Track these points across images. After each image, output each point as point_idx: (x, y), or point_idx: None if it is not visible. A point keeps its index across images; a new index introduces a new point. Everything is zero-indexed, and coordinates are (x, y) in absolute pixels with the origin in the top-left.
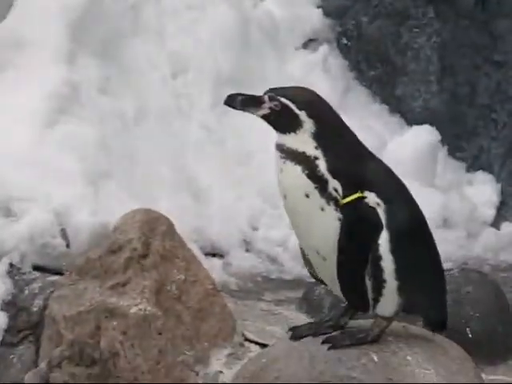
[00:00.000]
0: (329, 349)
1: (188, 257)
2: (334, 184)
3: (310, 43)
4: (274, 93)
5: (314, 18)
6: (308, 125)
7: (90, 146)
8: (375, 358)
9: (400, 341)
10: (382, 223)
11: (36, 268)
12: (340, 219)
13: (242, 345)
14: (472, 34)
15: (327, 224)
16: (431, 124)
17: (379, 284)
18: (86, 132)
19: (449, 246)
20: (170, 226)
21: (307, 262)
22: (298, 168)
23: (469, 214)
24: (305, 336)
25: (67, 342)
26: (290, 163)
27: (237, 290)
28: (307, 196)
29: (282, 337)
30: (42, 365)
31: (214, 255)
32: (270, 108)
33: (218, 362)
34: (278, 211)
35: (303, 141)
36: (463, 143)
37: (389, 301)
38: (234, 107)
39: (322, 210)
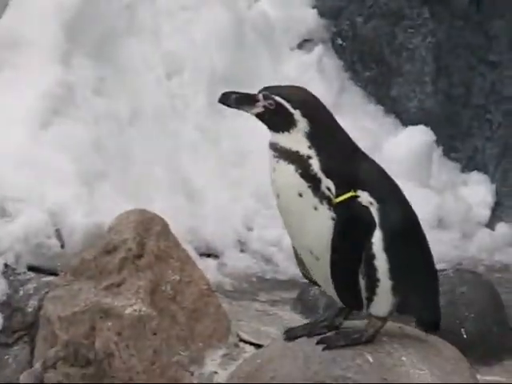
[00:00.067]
0: (323, 349)
1: (183, 257)
2: (327, 183)
3: (304, 43)
4: (269, 91)
5: (308, 19)
6: (302, 124)
7: (85, 146)
8: (370, 359)
9: (394, 341)
10: (375, 222)
11: (31, 268)
12: (333, 218)
13: (236, 345)
14: (467, 34)
15: (320, 223)
16: (426, 124)
17: (373, 283)
18: (81, 132)
19: (443, 247)
20: (165, 226)
21: (300, 263)
22: (291, 167)
23: (463, 215)
24: (299, 336)
25: (62, 342)
26: (283, 162)
27: (231, 291)
28: (300, 195)
29: (276, 337)
30: (37, 365)
31: (208, 255)
32: (264, 106)
33: (213, 363)
34: (273, 211)
35: (297, 140)
36: (458, 144)
37: (383, 301)
38: (228, 105)
39: (315, 209)
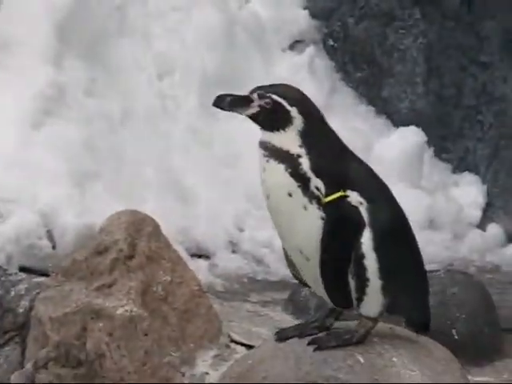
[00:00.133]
0: (315, 350)
1: (174, 258)
2: (316, 183)
3: (296, 44)
4: (264, 90)
5: (300, 20)
6: (297, 122)
7: (77, 147)
8: (361, 359)
9: (385, 342)
10: (364, 222)
11: (22, 269)
12: (323, 218)
13: (227, 346)
14: (458, 35)
15: (310, 223)
16: (417, 125)
17: (363, 283)
18: (73, 133)
19: (435, 247)
20: (156, 227)
21: (290, 264)
22: (281, 166)
23: (455, 216)
24: (291, 337)
25: (53, 343)
26: (274, 162)
27: (223, 292)
28: (290, 195)
29: (267, 338)
30: (28, 366)
31: (199, 256)
32: (260, 106)
33: (204, 364)
34: (264, 212)
35: (289, 139)
36: (449, 144)
37: (373, 301)
38: (222, 108)
39: (305, 208)
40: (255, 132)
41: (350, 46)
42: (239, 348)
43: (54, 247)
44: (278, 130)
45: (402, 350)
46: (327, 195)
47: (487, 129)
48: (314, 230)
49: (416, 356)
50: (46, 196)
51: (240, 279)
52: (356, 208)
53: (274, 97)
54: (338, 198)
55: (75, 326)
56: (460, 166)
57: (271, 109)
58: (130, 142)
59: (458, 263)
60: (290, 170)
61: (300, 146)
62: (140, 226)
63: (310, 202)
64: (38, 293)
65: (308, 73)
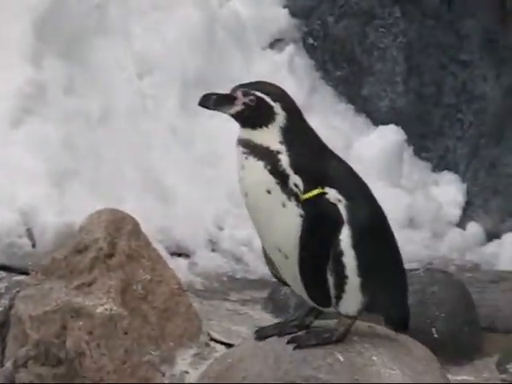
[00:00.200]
0: (294, 348)
1: (154, 257)
2: (294, 179)
3: (276, 43)
4: (247, 88)
5: (280, 18)
6: (280, 118)
7: (56, 145)
8: (341, 358)
9: (365, 341)
10: (342, 219)
11: (2, 268)
12: (301, 215)
13: (207, 345)
14: (438, 33)
15: (289, 220)
16: (397, 124)
17: (341, 280)
18: (52, 132)
19: (414, 246)
20: (136, 225)
21: (269, 262)
22: (261, 163)
23: (434, 214)
24: (270, 336)
25: (33, 341)
26: (253, 159)
27: (202, 290)
28: (269, 192)
29: (247, 337)
30: (8, 364)
31: (179, 255)
32: (244, 103)
33: (184, 362)
34: (244, 211)
35: (271, 135)
36: (429, 143)
37: (352, 298)
38: (207, 107)
39: (284, 206)
40: (236, 131)
41: (330, 45)
42: (219, 347)
43: (33, 246)
44: (260, 126)
45: (381, 349)
46: (306, 192)
47: (467, 127)
48: (293, 227)
49: (396, 355)
50: (25, 194)
51: (219, 278)
52: (334, 205)
53: (258, 93)
54: (317, 195)
55: (55, 324)
56: (440, 164)
57: (255, 106)
58: (109, 140)
59: (437, 262)
60: (269, 167)
61: (280, 143)
62: (120, 225)
63: (289, 199)
64: (18, 291)
65: (288, 71)
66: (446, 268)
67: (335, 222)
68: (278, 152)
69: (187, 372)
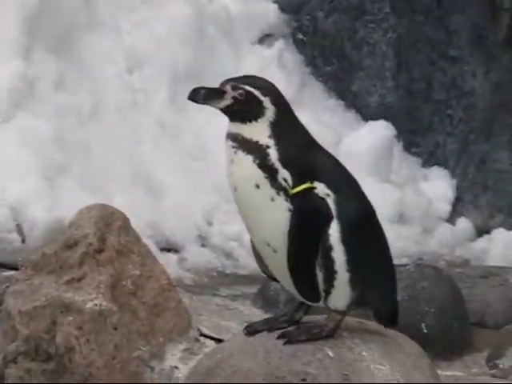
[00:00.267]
0: (284, 344)
1: (143, 252)
2: (283, 174)
3: (265, 38)
4: (236, 82)
5: (269, 13)
6: (269, 112)
7: (46, 141)
8: (330, 354)
9: (355, 336)
10: (331, 214)
11: None
12: (290, 210)
13: (197, 340)
14: (428, 29)
15: (277, 215)
16: (387, 119)
17: (330, 275)
18: (42, 127)
19: (404, 242)
20: (126, 221)
21: (258, 257)
22: (250, 158)
23: (424, 210)
24: (260, 331)
25: (22, 337)
26: (242, 153)
27: (192, 285)
28: (258, 186)
29: (237, 332)
30: None
31: (169, 250)
32: (234, 97)
33: (174, 358)
34: (233, 206)
35: (260, 129)
36: (419, 139)
37: (341, 293)
38: (196, 101)
39: (272, 200)
40: (225, 125)
41: (320, 40)
42: (208, 342)
43: (23, 241)
44: (249, 121)
45: (371, 345)
46: (294, 187)
47: (457, 123)
48: (282, 221)
49: (386, 350)
50: (15, 190)
51: (209, 273)
52: (323, 200)
53: (247, 87)
54: (306, 189)
55: (45, 319)
56: (429, 160)
57: (244, 100)
58: (99, 135)
59: (427, 257)
60: (257, 161)
61: (269, 137)
62: (110, 220)
63: (278, 193)
64: (8, 286)
65: (277, 67)
66: (436, 263)
67: (324, 216)
68: (267, 146)
69: (177, 367)
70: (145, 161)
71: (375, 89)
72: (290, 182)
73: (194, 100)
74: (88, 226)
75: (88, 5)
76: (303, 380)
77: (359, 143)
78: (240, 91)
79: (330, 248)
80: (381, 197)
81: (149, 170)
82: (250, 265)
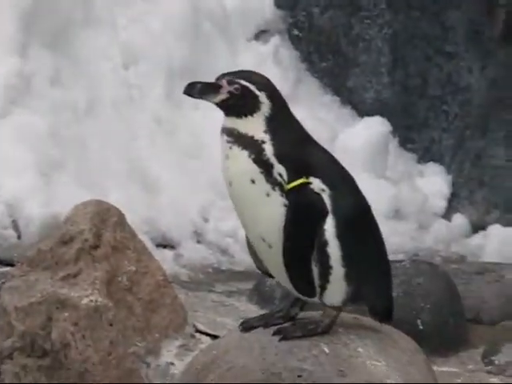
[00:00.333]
0: (280, 340)
1: (139, 248)
2: (279, 169)
3: (261, 34)
4: (232, 76)
5: (265, 9)
6: (265, 107)
7: (42, 136)
8: (326, 350)
9: (351, 332)
10: (327, 209)
11: None
12: (285, 205)
13: (193, 336)
14: (423, 25)
15: (273, 210)
16: (382, 115)
17: (326, 270)
18: (38, 123)
19: (400, 238)
20: (121, 217)
21: (253, 253)
22: (245, 153)
23: (420, 206)
24: (256, 327)
25: (18, 333)
26: (237, 148)
27: (188, 282)
28: (253, 182)
29: (232, 328)
30: None
31: (165, 246)
32: (229, 92)
33: (169, 354)
34: (229, 203)
35: (255, 124)
36: (414, 134)
37: (336, 289)
38: (192, 96)
39: (268, 195)
40: (221, 122)
41: (315, 36)
42: (204, 338)
43: (19, 237)
44: (245, 115)
45: (367, 341)
46: (290, 182)
47: (452, 119)
48: (277, 217)
49: (381, 346)
50: (11, 186)
51: (205, 269)
52: (318, 195)
53: (243, 82)
54: (301, 184)
55: (40, 315)
56: (425, 156)
57: (240, 94)
58: (95, 131)
59: (423, 253)
60: (253, 156)
61: (265, 132)
62: (105, 216)
63: (273, 188)
64: (4, 282)
65: (273, 63)
66: (432, 259)
67: (319, 211)
68: (263, 141)
69: (172, 363)
70: (141, 157)
71: (371, 85)
72: (285, 177)
73: (189, 94)
74: (83, 222)
75: (84, 1)
76: (299, 376)
77: (355, 139)
78: (236, 86)
79: (325, 243)
80: (376, 193)
81: (145, 166)
82: (245, 261)
